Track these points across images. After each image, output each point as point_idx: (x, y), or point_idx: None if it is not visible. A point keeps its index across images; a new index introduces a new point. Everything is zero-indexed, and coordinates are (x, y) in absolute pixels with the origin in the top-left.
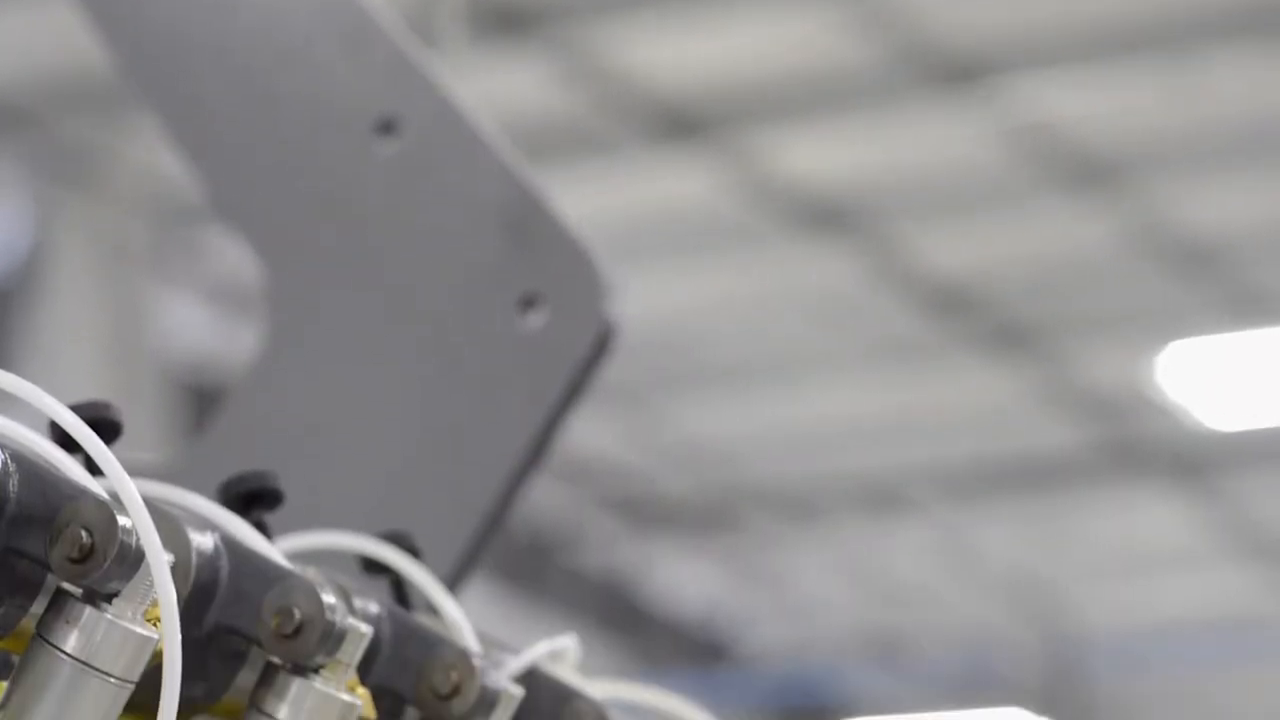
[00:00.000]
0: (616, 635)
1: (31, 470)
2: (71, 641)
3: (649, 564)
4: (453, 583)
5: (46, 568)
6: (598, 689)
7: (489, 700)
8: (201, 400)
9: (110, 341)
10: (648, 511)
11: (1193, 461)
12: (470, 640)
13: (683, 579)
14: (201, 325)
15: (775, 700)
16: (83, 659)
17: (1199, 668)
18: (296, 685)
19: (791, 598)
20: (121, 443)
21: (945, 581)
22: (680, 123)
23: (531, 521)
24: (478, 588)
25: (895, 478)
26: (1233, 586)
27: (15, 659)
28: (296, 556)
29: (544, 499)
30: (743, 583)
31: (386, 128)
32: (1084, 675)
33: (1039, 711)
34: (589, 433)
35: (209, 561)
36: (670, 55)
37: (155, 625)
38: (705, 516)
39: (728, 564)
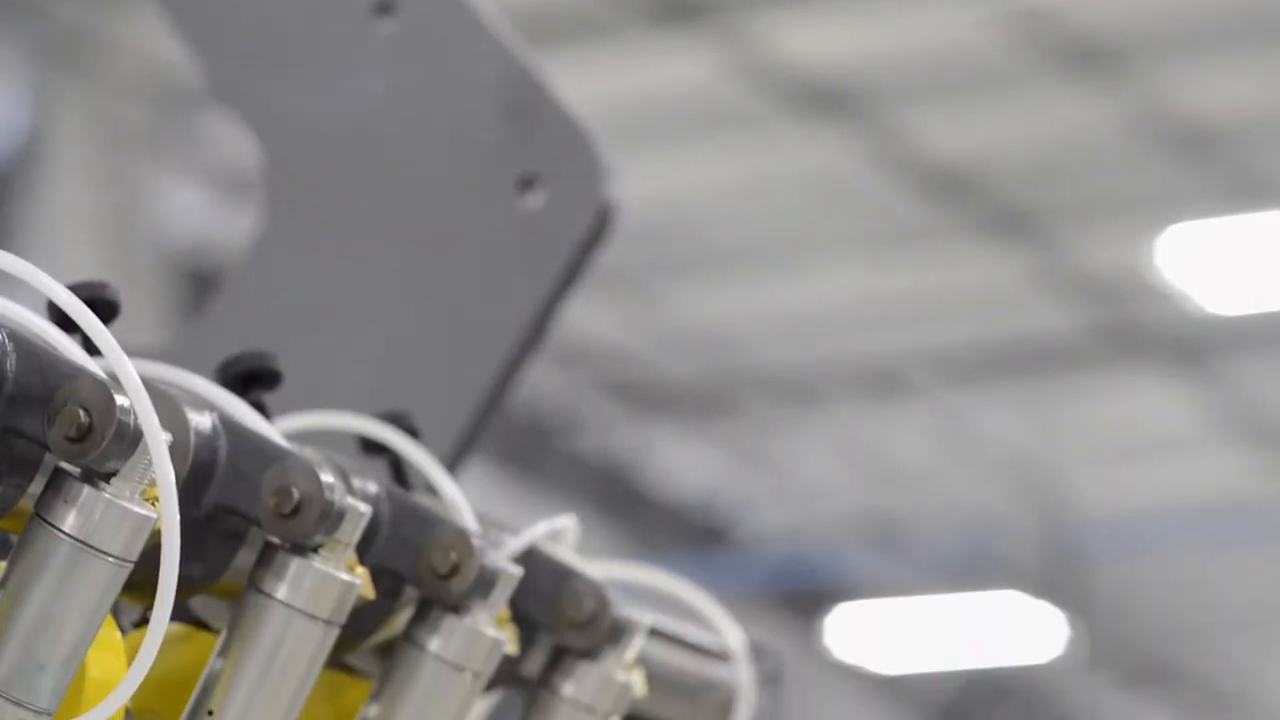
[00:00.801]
0: (615, 519)
1: (29, 349)
2: (70, 521)
3: (648, 448)
4: (451, 464)
5: (44, 447)
6: (597, 569)
7: (488, 580)
8: (200, 285)
9: (108, 226)
10: (647, 395)
11: (1192, 346)
12: (469, 520)
13: (682, 463)
14: (200, 209)
15: (774, 584)
16: (81, 538)
17: (1197, 551)
18: (295, 565)
19: (791, 482)
20: (120, 326)
21: (944, 465)
22: (680, 5)
23: (530, 405)
24: (476, 471)
25: (895, 362)
26: (1231, 470)
27: (14, 539)
28: (295, 437)
29: (543, 383)
30: (742, 467)
31: (384, 8)
32: (1083, 559)
33: (1037, 595)
34: (589, 317)
35: (207, 441)
36: None
37: (154, 505)
38: (705, 400)
39: (727, 448)
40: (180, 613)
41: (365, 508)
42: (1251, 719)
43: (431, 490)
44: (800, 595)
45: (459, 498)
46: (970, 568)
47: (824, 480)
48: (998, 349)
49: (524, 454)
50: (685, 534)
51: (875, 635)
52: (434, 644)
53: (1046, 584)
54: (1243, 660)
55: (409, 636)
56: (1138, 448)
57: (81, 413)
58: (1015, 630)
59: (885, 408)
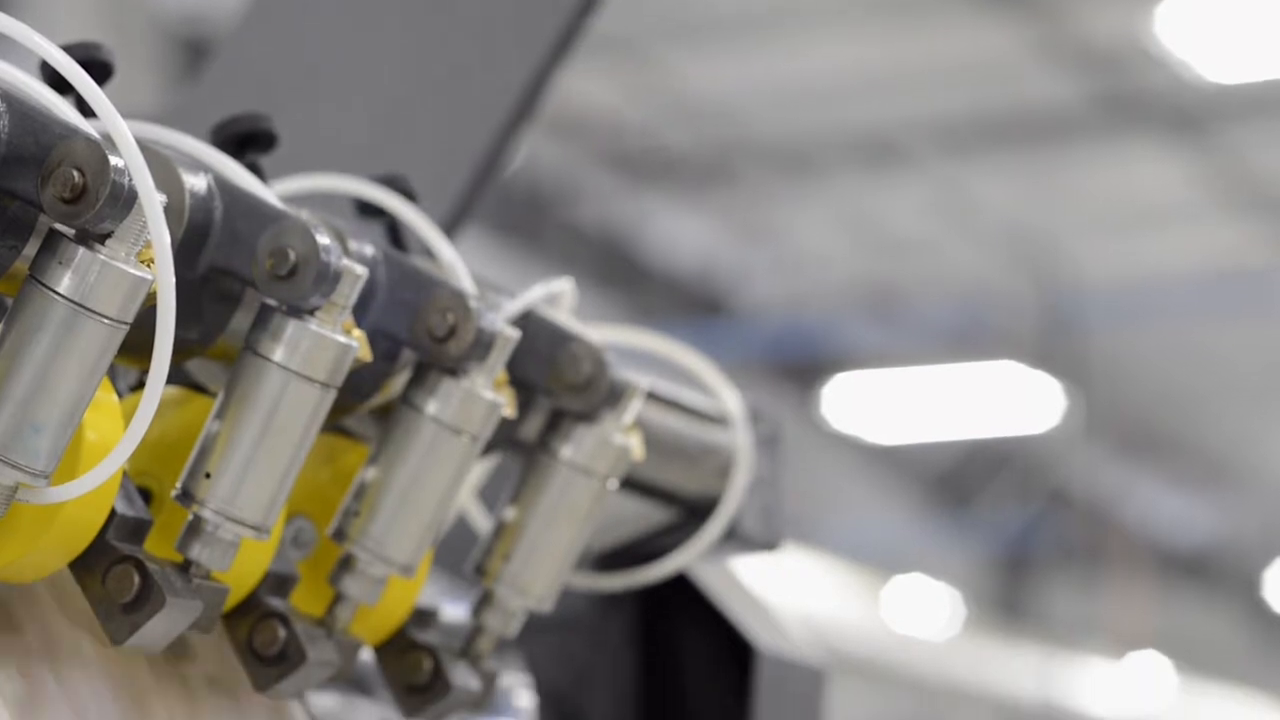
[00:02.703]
0: (613, 290)
1: (23, 110)
2: (65, 282)
3: (646, 218)
4: (449, 229)
5: (38, 208)
6: (595, 334)
7: (485, 342)
8: (194, 54)
9: None
10: (645, 166)
11: (1190, 114)
12: (466, 283)
13: (679, 233)
14: None
15: (771, 354)
16: (76, 300)
17: (1194, 320)
18: (292, 327)
19: (788, 251)
20: (114, 92)
21: (942, 235)
22: None
23: (528, 176)
24: (474, 242)
25: (893, 131)
26: (1229, 239)
27: (9, 302)
28: (291, 199)
29: (541, 153)
30: (739, 236)
31: None
32: (1079, 328)
33: (1034, 365)
34: (586, 87)
35: (202, 203)
36: None
37: (149, 266)
38: (702, 170)
39: (725, 217)
40: (177, 376)
41: (362, 269)
42: (1246, 487)
43: (428, 255)
44: (797, 365)
45: (456, 260)
46: (967, 338)
47: (821, 250)
48: (996, 118)
49: (522, 225)
50: (682, 304)
51: (872, 406)
52: (431, 406)
53: (1043, 354)
54: (1238, 428)
55: (406, 399)
56: (1135, 217)
57: (75, 173)
58: (1012, 400)
59: (883, 177)
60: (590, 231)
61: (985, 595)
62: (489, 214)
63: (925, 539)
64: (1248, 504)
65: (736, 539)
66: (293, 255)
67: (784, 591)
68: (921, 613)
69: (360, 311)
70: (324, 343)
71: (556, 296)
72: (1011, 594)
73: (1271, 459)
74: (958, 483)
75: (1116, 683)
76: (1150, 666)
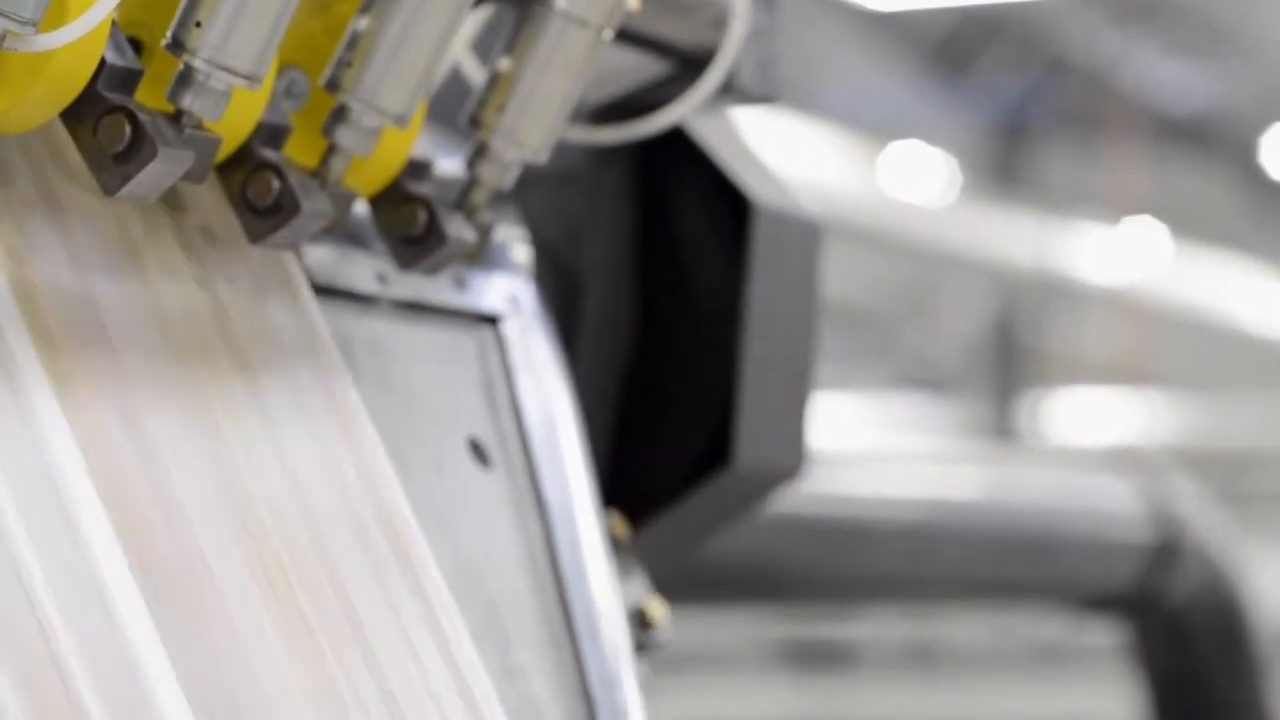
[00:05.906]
0: None
1: None
2: None
3: None
4: None
5: None
6: None
7: None
8: None
9: None
10: None
11: None
12: None
13: None
14: None
15: None
16: None
17: None
18: None
19: None
20: None
21: None
22: None
23: None
24: None
25: None
26: None
27: None
28: None
29: None
30: None
31: None
32: None
33: None
34: None
35: None
36: None
37: None
38: None
39: None
40: None
41: None
42: (1245, 53)
43: None
44: None
45: None
46: None
47: None
48: None
49: None
50: None
51: None
52: None
53: None
54: None
55: None
56: None
57: None
58: None
59: None
60: None
61: (981, 162)
62: None
63: (922, 105)
64: (1246, 70)
65: (734, 91)
66: None
67: (781, 157)
68: (918, 179)
69: None
70: None
71: None
72: (1008, 160)
73: (1271, 25)
74: (955, 49)
75: (1112, 248)
76: (1145, 232)
